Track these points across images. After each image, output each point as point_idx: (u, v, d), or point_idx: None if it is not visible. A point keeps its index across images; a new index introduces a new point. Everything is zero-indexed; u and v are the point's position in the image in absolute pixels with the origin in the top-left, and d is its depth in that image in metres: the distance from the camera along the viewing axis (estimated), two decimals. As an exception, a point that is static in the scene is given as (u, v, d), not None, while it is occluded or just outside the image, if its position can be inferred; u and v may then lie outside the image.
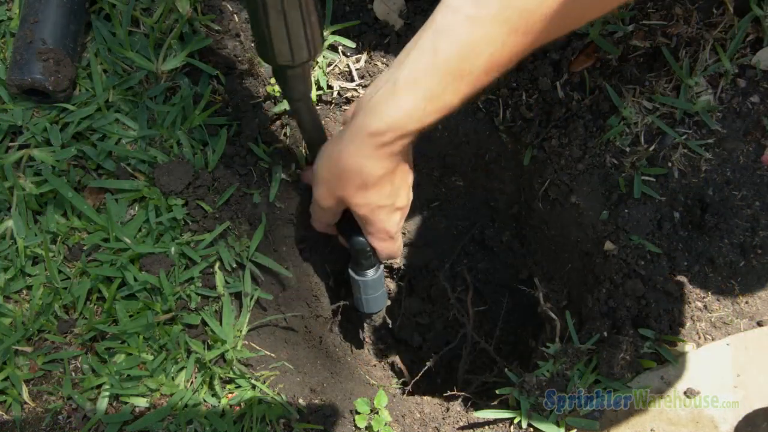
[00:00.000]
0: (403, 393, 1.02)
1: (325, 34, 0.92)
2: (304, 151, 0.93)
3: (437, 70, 0.63)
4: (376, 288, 0.90)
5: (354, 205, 0.75)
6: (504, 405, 0.85)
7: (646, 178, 0.89)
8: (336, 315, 1.02)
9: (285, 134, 0.92)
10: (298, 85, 0.71)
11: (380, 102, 0.66)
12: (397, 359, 1.14)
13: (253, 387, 0.83)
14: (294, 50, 0.66)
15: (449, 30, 0.62)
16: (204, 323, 0.83)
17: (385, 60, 0.95)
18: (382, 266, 0.90)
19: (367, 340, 1.12)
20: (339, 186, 0.73)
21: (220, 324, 0.83)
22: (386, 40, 0.95)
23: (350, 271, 0.89)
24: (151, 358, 0.82)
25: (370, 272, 0.88)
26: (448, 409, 0.91)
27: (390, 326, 1.02)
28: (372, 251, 0.85)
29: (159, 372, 0.82)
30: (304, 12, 0.62)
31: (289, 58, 0.66)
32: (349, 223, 0.82)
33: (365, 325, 1.12)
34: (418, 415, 0.91)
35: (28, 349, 0.82)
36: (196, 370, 0.83)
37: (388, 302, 0.94)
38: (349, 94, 0.95)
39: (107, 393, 0.81)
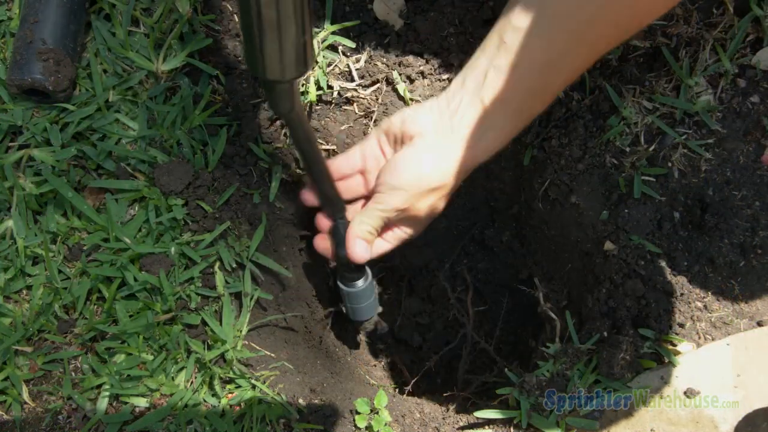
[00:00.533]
0: (403, 393, 1.02)
1: (325, 34, 0.92)
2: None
3: (521, 88, 0.71)
4: (366, 297, 0.90)
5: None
6: (504, 405, 0.84)
7: (646, 178, 0.89)
8: (328, 318, 1.02)
9: (285, 134, 0.92)
10: (283, 101, 0.67)
11: (475, 125, 0.73)
12: (397, 359, 1.14)
13: (253, 387, 0.83)
14: (285, 66, 0.62)
15: (523, 50, 0.68)
16: (204, 323, 0.83)
17: (385, 60, 0.95)
18: (371, 276, 0.90)
19: (362, 340, 1.12)
20: (428, 196, 0.79)
21: (220, 324, 0.83)
22: (386, 40, 0.95)
23: (339, 282, 0.90)
24: (151, 358, 0.82)
25: (359, 282, 0.88)
26: (448, 409, 0.91)
27: (386, 330, 1.03)
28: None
29: (159, 372, 0.82)
30: (299, 29, 0.59)
31: (279, 73, 0.62)
32: (338, 235, 0.84)
33: (359, 328, 1.12)
34: (418, 415, 0.91)
35: (28, 349, 0.82)
36: (196, 370, 0.83)
37: (380, 309, 0.95)
38: (349, 94, 0.94)
39: (107, 393, 0.81)
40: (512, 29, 0.68)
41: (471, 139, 0.74)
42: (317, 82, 0.94)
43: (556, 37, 0.67)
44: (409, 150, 0.78)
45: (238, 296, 0.86)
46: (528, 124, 0.76)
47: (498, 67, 0.70)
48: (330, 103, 0.96)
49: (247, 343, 0.86)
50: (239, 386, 0.83)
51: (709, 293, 0.84)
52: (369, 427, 0.85)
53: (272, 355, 0.86)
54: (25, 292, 0.85)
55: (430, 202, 0.80)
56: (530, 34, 0.67)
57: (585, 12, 0.64)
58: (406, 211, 0.80)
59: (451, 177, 0.77)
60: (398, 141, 0.81)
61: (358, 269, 0.88)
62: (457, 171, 0.77)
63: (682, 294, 0.84)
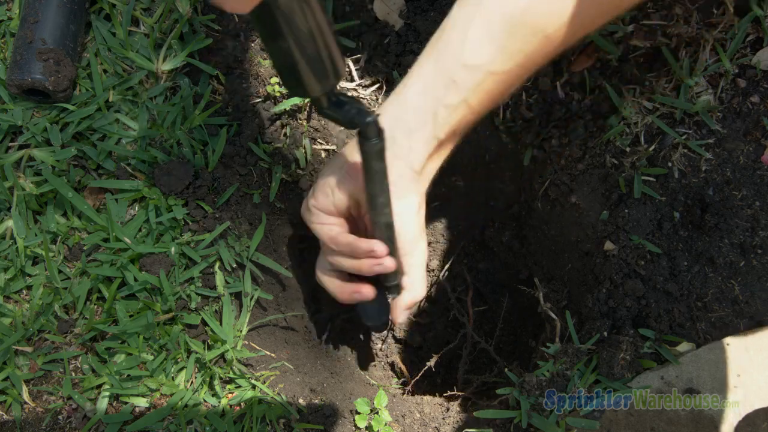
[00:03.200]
0: (403, 393, 1.02)
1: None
2: (304, 150, 0.93)
3: (474, 119, 0.71)
4: (380, 302, 0.90)
5: None
6: (504, 405, 0.85)
7: (646, 178, 0.89)
8: (329, 328, 1.01)
9: (285, 134, 0.92)
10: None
11: (426, 161, 0.73)
12: (397, 359, 1.14)
13: (253, 387, 0.83)
14: (320, 78, 0.63)
15: (479, 88, 0.67)
16: (204, 323, 0.83)
17: (385, 60, 0.95)
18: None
19: (373, 349, 1.12)
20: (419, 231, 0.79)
21: (220, 324, 0.83)
22: (386, 40, 0.95)
23: None
24: (151, 358, 0.82)
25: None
26: (448, 409, 0.91)
27: (393, 329, 1.03)
28: None
29: (159, 372, 0.82)
30: (321, 42, 0.61)
31: (318, 87, 0.64)
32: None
33: (371, 334, 1.11)
34: (418, 415, 0.91)
35: (28, 349, 0.82)
36: (196, 370, 0.83)
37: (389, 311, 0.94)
38: (349, 94, 0.94)
39: (107, 393, 0.81)
40: (463, 68, 0.66)
41: (430, 168, 0.75)
42: (317, 82, 0.93)
43: (512, 69, 0.67)
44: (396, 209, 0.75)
45: (238, 296, 0.86)
46: None
47: (449, 105, 0.69)
48: (330, 103, 0.96)
49: (247, 343, 0.86)
50: (239, 386, 0.83)
51: (709, 293, 0.84)
52: (369, 427, 0.85)
53: (272, 355, 0.86)
54: (25, 292, 0.85)
55: None
56: (485, 71, 0.66)
57: (533, 43, 0.65)
58: None
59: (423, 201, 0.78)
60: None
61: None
62: (424, 195, 0.78)
63: (682, 294, 0.84)
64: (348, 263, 0.77)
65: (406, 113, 0.70)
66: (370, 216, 0.73)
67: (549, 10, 0.63)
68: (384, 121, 0.70)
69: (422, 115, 0.70)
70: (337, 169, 0.75)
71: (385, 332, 0.96)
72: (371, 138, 0.66)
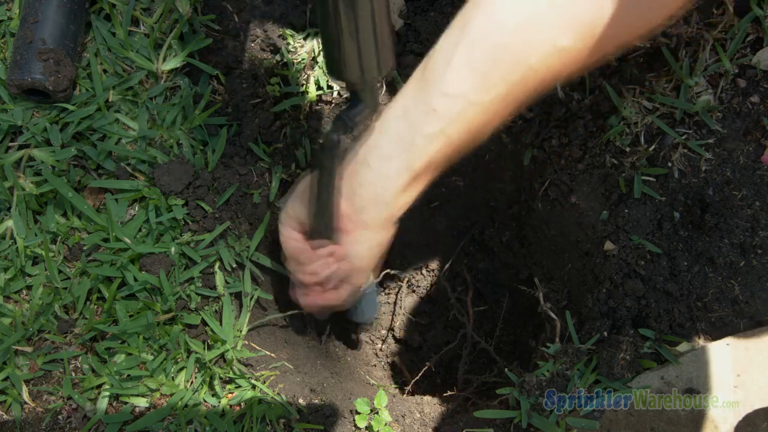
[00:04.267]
0: (403, 393, 1.02)
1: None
2: (304, 150, 0.93)
3: (452, 153, 0.68)
4: (370, 301, 0.90)
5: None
6: (504, 405, 0.84)
7: (646, 178, 0.89)
8: (327, 328, 1.01)
9: (285, 134, 0.92)
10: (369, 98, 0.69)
11: (398, 192, 0.70)
12: (397, 359, 1.14)
13: (253, 387, 0.83)
14: (365, 67, 0.64)
15: (458, 118, 0.65)
16: (204, 323, 0.83)
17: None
18: (373, 279, 0.90)
19: (361, 340, 1.12)
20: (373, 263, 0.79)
21: (220, 324, 0.83)
22: (386, 40, 0.95)
23: None
24: (151, 358, 0.82)
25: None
26: (448, 409, 0.91)
27: (393, 329, 1.03)
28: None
29: (159, 372, 0.82)
30: (378, 32, 0.62)
31: (359, 75, 0.65)
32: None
33: (358, 328, 1.11)
34: (418, 415, 0.91)
35: (28, 349, 0.82)
36: (196, 370, 0.83)
37: (379, 310, 0.94)
38: (348, 94, 0.94)
39: (107, 393, 0.81)
40: (444, 96, 0.64)
41: (402, 201, 0.72)
42: (317, 82, 0.94)
43: (493, 102, 0.64)
44: (355, 237, 0.75)
45: (238, 296, 0.86)
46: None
47: (427, 135, 0.66)
48: (330, 103, 0.96)
49: (247, 343, 0.86)
50: (239, 386, 0.84)
51: (709, 293, 0.84)
52: (369, 427, 0.85)
53: (272, 355, 0.86)
54: (25, 292, 0.85)
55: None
56: (466, 100, 0.64)
57: (517, 73, 0.62)
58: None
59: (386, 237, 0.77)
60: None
61: None
62: (391, 230, 0.76)
63: (682, 294, 0.84)
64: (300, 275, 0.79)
65: (383, 140, 0.69)
66: (314, 220, 0.74)
67: (534, 39, 0.61)
68: (362, 147, 0.70)
69: (399, 143, 0.68)
70: (299, 190, 0.77)
71: (375, 329, 0.96)
72: (326, 147, 0.68)
